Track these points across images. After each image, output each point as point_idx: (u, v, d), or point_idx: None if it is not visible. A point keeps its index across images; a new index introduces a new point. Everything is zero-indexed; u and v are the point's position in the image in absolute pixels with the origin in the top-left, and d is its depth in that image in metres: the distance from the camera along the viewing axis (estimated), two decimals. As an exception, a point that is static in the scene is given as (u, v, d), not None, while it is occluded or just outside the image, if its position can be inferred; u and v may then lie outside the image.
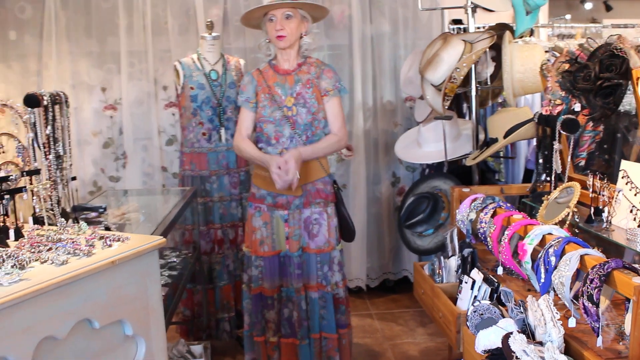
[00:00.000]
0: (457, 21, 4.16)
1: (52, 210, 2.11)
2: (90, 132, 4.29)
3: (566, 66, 2.23)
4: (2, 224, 1.69)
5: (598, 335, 1.59)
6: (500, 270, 2.22)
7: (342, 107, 2.96)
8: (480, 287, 2.23)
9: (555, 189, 2.41)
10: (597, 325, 1.58)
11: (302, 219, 2.93)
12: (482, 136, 3.27)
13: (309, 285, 2.97)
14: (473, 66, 3.18)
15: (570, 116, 2.32)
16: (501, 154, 3.71)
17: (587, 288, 1.57)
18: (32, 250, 1.55)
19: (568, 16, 4.74)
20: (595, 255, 1.69)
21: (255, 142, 2.98)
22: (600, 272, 1.56)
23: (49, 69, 4.16)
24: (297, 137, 2.86)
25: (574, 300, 1.71)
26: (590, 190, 2.26)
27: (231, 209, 3.63)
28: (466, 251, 2.45)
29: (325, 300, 2.97)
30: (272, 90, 2.89)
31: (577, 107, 2.30)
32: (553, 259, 1.77)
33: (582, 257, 1.70)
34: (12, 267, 1.39)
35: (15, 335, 1.29)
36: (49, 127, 2.16)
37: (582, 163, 2.76)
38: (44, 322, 1.35)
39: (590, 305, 1.56)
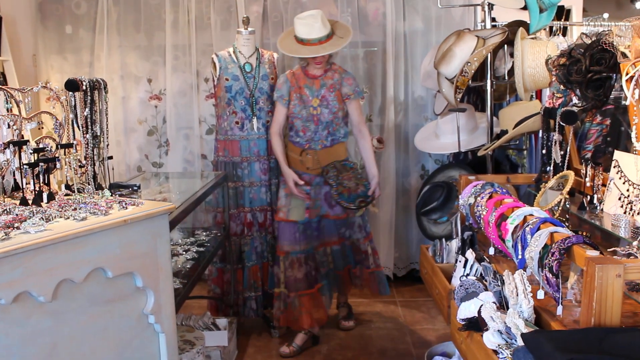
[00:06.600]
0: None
1: (87, 183, 2.36)
2: (136, 120, 4.60)
3: (562, 60, 2.34)
4: (38, 189, 1.96)
5: (558, 305, 1.73)
6: (492, 251, 2.34)
7: (361, 106, 3.65)
8: (472, 265, 2.37)
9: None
10: (557, 296, 1.71)
11: (322, 192, 3.55)
12: (497, 129, 3.37)
13: (330, 241, 3.58)
14: (489, 61, 3.30)
15: (568, 108, 2.42)
16: (525, 147, 3.79)
17: (549, 261, 1.71)
18: (59, 209, 1.80)
19: (606, 15, 4.74)
20: (563, 232, 1.81)
21: (289, 129, 3.61)
22: (561, 246, 1.70)
23: (100, 60, 4.49)
24: (320, 131, 3.49)
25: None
26: (586, 179, 2.37)
27: (261, 194, 3.83)
28: (466, 234, 2.58)
29: (345, 248, 3.59)
30: (302, 91, 3.47)
31: (574, 99, 2.41)
32: (529, 237, 1.91)
33: (552, 234, 1.83)
34: (39, 219, 1.64)
35: (38, 274, 1.54)
36: (87, 110, 2.42)
37: (589, 155, 2.86)
38: (63, 266, 1.60)
39: (550, 276, 1.70)
